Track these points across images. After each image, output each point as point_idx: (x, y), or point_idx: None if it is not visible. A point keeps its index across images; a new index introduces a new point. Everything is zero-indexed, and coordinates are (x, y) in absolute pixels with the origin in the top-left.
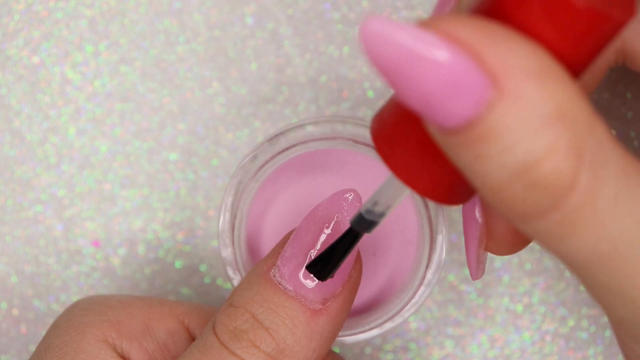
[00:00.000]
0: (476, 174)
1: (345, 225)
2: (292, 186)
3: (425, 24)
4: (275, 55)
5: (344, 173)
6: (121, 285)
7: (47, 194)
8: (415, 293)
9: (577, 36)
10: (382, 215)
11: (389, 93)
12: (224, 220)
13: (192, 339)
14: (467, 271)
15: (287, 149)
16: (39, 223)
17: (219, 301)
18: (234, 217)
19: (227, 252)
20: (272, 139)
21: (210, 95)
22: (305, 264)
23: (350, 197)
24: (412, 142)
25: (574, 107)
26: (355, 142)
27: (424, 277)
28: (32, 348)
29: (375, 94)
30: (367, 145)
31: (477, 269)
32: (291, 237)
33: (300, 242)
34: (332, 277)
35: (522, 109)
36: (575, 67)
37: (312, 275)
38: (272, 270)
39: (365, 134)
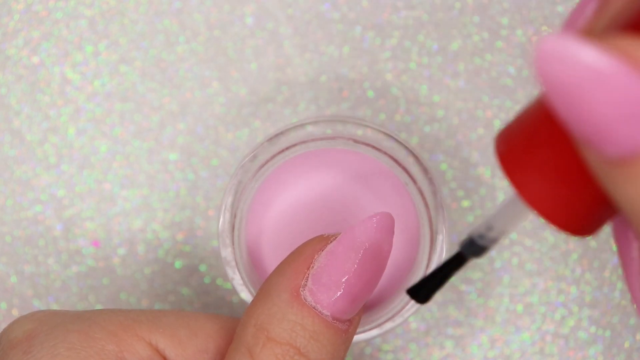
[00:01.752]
0: (632, 204)
1: (384, 251)
2: (292, 186)
3: (605, 42)
4: (275, 55)
5: (344, 173)
6: (121, 285)
7: (47, 194)
8: None
9: None
10: (495, 240)
11: (389, 93)
12: (223, 220)
13: None
14: (468, 272)
15: (287, 148)
16: (39, 223)
17: (218, 301)
18: (233, 217)
19: (227, 252)
20: (272, 138)
21: (210, 95)
22: (407, 289)
23: (388, 223)
24: (547, 169)
25: None
26: (356, 142)
27: None
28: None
29: (375, 94)
30: (367, 145)
31: None
32: (325, 260)
33: (339, 269)
34: (427, 301)
35: None
36: None
37: (411, 299)
38: (302, 292)
39: (365, 134)
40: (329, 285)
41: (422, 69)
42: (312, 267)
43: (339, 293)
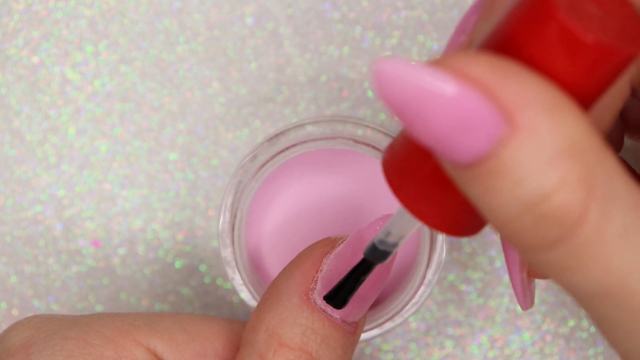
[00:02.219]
0: (487, 206)
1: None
2: (292, 186)
3: (436, 63)
4: (275, 55)
5: (344, 173)
6: (121, 285)
7: (47, 194)
8: (415, 293)
9: (586, 70)
10: (395, 245)
11: None
12: (223, 220)
13: None
14: (468, 272)
15: (287, 148)
16: (39, 223)
17: (218, 301)
18: (233, 217)
19: (227, 252)
20: (272, 138)
21: (210, 95)
22: (323, 295)
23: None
24: (422, 175)
25: (585, 140)
26: (356, 142)
27: (424, 277)
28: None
29: (375, 94)
30: (367, 145)
31: (524, 297)
32: (334, 263)
33: (346, 270)
34: (346, 305)
35: (534, 144)
36: (585, 100)
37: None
38: (312, 296)
39: (365, 134)
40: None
41: None
42: (321, 270)
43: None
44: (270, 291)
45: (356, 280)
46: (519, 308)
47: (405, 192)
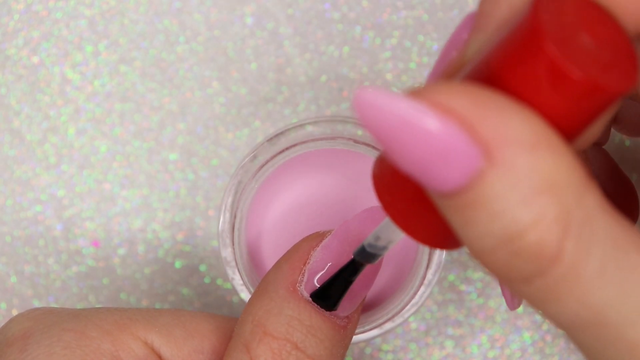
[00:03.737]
0: (465, 236)
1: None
2: (292, 186)
3: (417, 94)
4: (275, 55)
5: (344, 173)
6: (121, 285)
7: (47, 194)
8: (415, 293)
9: (572, 105)
10: (384, 248)
11: None
12: (223, 220)
13: None
14: (468, 272)
15: (287, 148)
16: (39, 223)
17: (218, 301)
18: (234, 217)
19: (227, 252)
20: (272, 138)
21: (210, 95)
22: (310, 294)
23: (381, 217)
24: (409, 193)
25: (565, 178)
26: (356, 142)
27: (424, 277)
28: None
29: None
30: (367, 145)
31: (512, 298)
32: (321, 255)
33: (332, 262)
34: (337, 308)
35: (510, 180)
36: (571, 132)
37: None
38: (299, 288)
39: (365, 134)
40: (322, 279)
41: (423, 69)
42: (309, 262)
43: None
44: (260, 285)
45: (345, 281)
46: (519, 308)
47: (394, 207)
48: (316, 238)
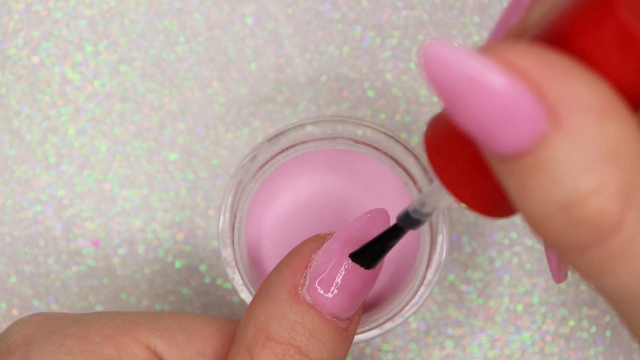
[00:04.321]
0: (522, 202)
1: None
2: (292, 186)
3: (487, 50)
4: (275, 55)
5: (344, 173)
6: (121, 285)
7: (47, 194)
8: (415, 293)
9: None
10: (429, 215)
11: (389, 93)
12: (224, 220)
13: None
14: (468, 272)
15: (287, 148)
16: (39, 223)
17: (218, 301)
18: (234, 217)
19: (227, 252)
20: (272, 138)
21: (210, 95)
22: (350, 253)
23: (383, 219)
24: (463, 156)
25: (629, 147)
26: (356, 142)
27: (424, 277)
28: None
29: (375, 94)
30: (367, 145)
31: (558, 271)
32: (322, 258)
33: (333, 264)
34: (374, 268)
35: (575, 145)
36: (638, 100)
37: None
38: (301, 291)
39: (365, 134)
40: (327, 283)
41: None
42: (310, 265)
43: (337, 290)
44: (261, 288)
45: (385, 244)
46: (519, 308)
47: (446, 170)
48: (317, 241)
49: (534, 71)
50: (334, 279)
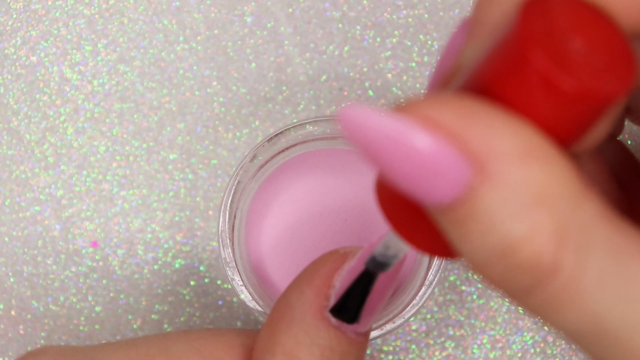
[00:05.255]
0: (462, 249)
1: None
2: (292, 186)
3: (404, 109)
4: (275, 54)
5: (344, 173)
6: (120, 285)
7: (46, 194)
8: (416, 294)
9: (567, 112)
10: (394, 257)
11: (389, 92)
12: (223, 220)
13: None
14: (469, 272)
15: (287, 148)
16: (37, 223)
17: (217, 302)
18: (233, 217)
19: (226, 253)
20: (272, 138)
21: (209, 95)
22: (329, 309)
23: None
24: (408, 203)
25: (558, 188)
26: None
27: (424, 278)
28: (30, 349)
29: (375, 93)
30: None
31: None
32: (346, 278)
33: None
34: (359, 320)
35: (503, 193)
36: (567, 138)
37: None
38: (326, 313)
39: None
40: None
41: (423, 68)
42: (334, 287)
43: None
44: (282, 310)
45: (362, 292)
46: (520, 308)
47: (395, 218)
48: (338, 259)
49: (454, 123)
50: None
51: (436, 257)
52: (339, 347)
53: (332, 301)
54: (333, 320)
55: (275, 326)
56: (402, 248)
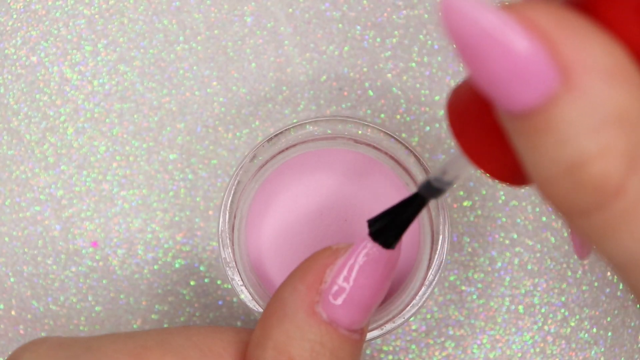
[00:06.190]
0: (530, 162)
1: (393, 258)
2: (292, 186)
3: (508, 7)
4: (275, 54)
5: (344, 173)
6: (120, 285)
7: (46, 194)
8: (416, 294)
9: None
10: (450, 184)
11: (389, 92)
12: (223, 220)
13: None
14: (469, 272)
15: (287, 148)
16: (38, 223)
17: (218, 302)
18: (233, 217)
19: (226, 253)
20: (272, 138)
21: (209, 95)
22: (369, 232)
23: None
24: (483, 124)
25: (636, 113)
26: (356, 142)
27: (424, 278)
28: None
29: (375, 93)
30: (367, 144)
31: (582, 248)
32: (336, 274)
33: (348, 282)
34: (393, 248)
35: (584, 106)
36: None
37: (376, 243)
38: (317, 308)
39: (365, 134)
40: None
41: (423, 68)
42: (325, 282)
43: (353, 307)
44: (275, 305)
45: (408, 216)
46: (520, 308)
47: (465, 137)
48: (330, 255)
49: (551, 30)
50: (350, 295)
51: (500, 182)
52: (330, 343)
53: (324, 298)
54: (324, 315)
55: (267, 321)
56: (459, 174)
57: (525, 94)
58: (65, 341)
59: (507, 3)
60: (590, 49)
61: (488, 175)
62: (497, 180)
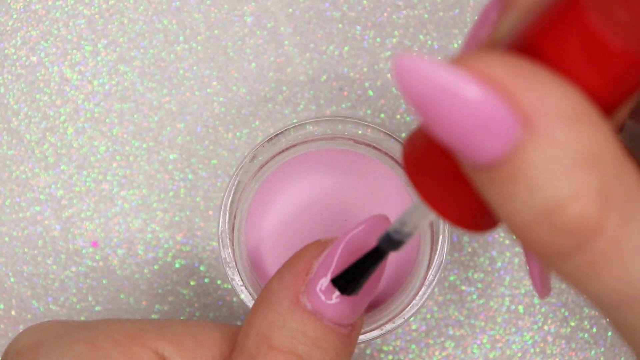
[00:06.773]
0: (504, 211)
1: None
2: (292, 186)
3: (458, 61)
4: (275, 54)
5: (344, 173)
6: (120, 285)
7: (46, 194)
8: (416, 294)
9: (611, 77)
10: (409, 235)
11: (389, 92)
12: (223, 220)
13: None
14: (468, 272)
15: (287, 148)
16: (38, 223)
17: (218, 302)
18: (233, 217)
19: (226, 253)
20: (272, 138)
21: (209, 95)
22: (331, 278)
23: (384, 226)
24: (442, 171)
25: (605, 150)
26: (356, 142)
27: (424, 278)
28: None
29: (375, 93)
30: (367, 145)
31: (542, 287)
32: (322, 264)
33: (335, 272)
34: (357, 294)
35: (551, 151)
36: (608, 106)
37: (336, 290)
38: (302, 299)
39: (365, 134)
40: (327, 290)
41: None
42: (311, 272)
43: (337, 297)
44: (261, 295)
45: (368, 267)
46: (520, 308)
47: (425, 187)
48: (318, 247)
49: (506, 80)
50: (332, 287)
51: (464, 230)
52: (313, 332)
53: (308, 288)
54: (308, 305)
55: (254, 310)
56: (419, 224)
57: (489, 145)
58: (66, 321)
59: (456, 56)
60: (547, 94)
61: (451, 222)
62: (460, 228)
